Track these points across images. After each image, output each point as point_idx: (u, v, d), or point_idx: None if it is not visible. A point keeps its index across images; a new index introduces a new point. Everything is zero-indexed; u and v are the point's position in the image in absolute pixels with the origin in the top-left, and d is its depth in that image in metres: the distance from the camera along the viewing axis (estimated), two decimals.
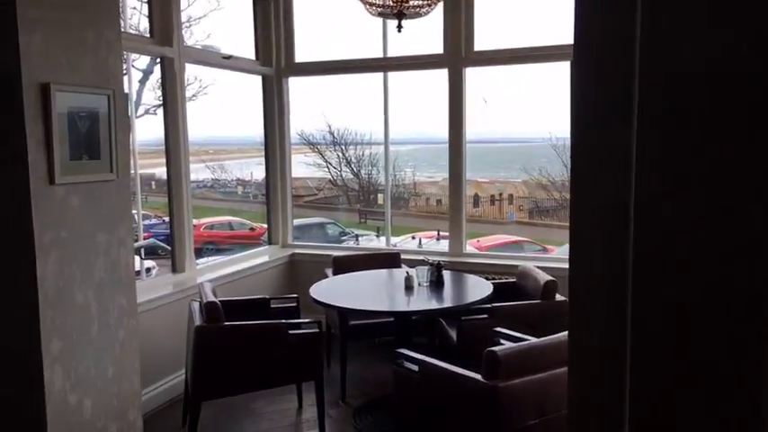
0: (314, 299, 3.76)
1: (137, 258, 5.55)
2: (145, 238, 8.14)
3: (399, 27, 3.92)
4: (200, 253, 14.07)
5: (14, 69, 2.41)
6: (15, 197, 2.47)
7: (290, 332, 3.51)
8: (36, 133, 2.49)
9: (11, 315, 2.53)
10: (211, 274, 4.63)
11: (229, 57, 5.13)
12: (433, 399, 2.96)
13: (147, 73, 5.43)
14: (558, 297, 3.86)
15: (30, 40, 2.44)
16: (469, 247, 11.00)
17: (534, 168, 15.33)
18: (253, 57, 5.51)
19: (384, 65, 5.32)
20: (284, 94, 5.53)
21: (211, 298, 3.51)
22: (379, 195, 20.32)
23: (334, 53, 5.59)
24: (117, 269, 2.89)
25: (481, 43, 5.01)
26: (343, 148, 20.04)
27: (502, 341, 3.27)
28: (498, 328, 3.34)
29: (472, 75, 5.09)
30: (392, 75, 5.34)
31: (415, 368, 2.97)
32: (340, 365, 4.19)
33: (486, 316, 3.75)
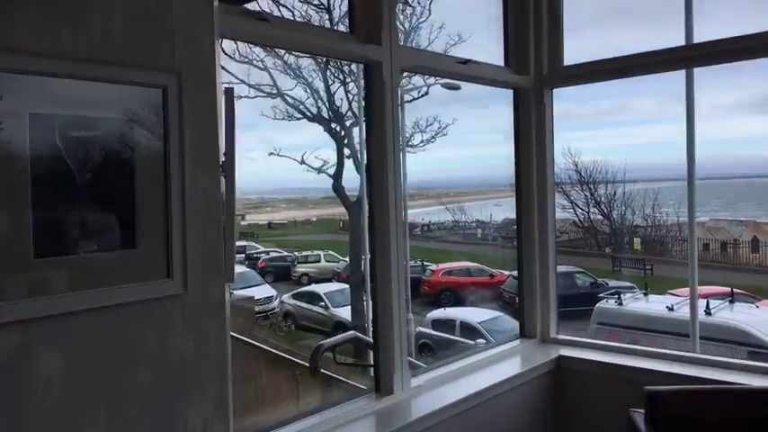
0: None
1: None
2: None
3: None
4: (437, 301, 12.57)
5: None
6: None
7: None
8: None
9: None
10: (432, 395, 2.74)
11: (467, 61, 3.31)
12: None
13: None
14: None
15: None
16: (745, 307, 7.65)
17: None
18: (501, 63, 3.61)
19: (696, 55, 3.01)
20: (547, 111, 3.50)
21: None
22: (635, 239, 16.82)
23: (602, 50, 3.42)
24: None
25: None
26: (592, 187, 17.02)
27: None
28: None
29: None
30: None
31: None
32: None
33: None
